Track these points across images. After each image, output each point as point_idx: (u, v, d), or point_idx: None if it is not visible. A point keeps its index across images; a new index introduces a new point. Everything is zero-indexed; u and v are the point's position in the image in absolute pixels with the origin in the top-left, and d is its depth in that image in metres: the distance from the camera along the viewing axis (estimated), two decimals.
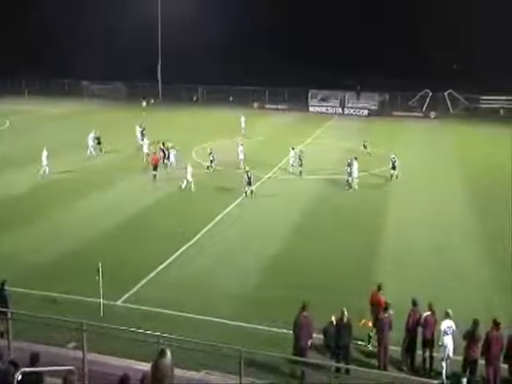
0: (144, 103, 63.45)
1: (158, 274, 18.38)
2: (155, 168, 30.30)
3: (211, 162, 32.70)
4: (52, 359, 10.73)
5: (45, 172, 30.04)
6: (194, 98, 71.50)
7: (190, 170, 28.29)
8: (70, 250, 20.02)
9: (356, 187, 29.60)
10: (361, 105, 66.07)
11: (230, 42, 75.62)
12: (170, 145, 33.37)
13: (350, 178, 29.82)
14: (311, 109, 66.50)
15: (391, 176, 31.44)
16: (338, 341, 12.94)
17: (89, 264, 16.75)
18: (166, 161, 32.56)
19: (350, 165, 29.94)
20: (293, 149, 33.83)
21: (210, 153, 32.89)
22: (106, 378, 11.59)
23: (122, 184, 29.84)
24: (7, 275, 16.78)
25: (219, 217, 24.32)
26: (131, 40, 73.17)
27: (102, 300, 15.22)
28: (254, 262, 19.59)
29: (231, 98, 70.05)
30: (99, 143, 36.70)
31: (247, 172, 27.71)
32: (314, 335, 13.36)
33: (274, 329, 14.74)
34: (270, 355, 12.53)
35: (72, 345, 12.79)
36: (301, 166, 32.17)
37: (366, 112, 64.83)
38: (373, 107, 65.63)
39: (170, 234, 21.97)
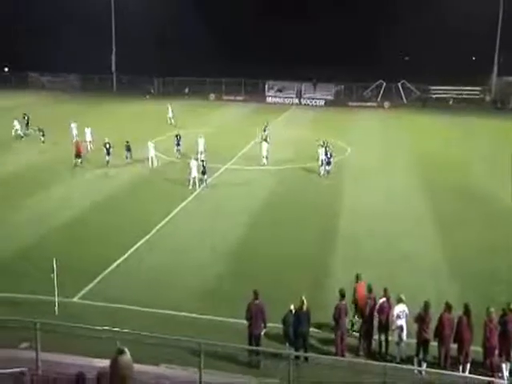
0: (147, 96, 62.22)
1: (114, 269, 18.07)
2: (78, 156, 30.95)
3: (178, 151, 33.61)
4: (3, 362, 10.41)
5: None
6: (152, 91, 70.41)
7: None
8: (22, 248, 19.42)
9: (321, 173, 30.24)
10: (317, 95, 66.73)
11: (186, 33, 74.77)
12: (106, 140, 31.79)
13: (324, 167, 30.25)
14: (268, 99, 66.71)
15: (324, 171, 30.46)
16: (296, 329, 13.08)
17: (42, 262, 16.29)
18: (107, 157, 31.41)
19: (324, 152, 30.36)
20: (265, 140, 33.67)
21: (178, 140, 33.68)
22: (61, 377, 11.34)
23: (70, 179, 29.07)
24: None
25: (176, 210, 24.11)
26: (85, 31, 71.31)
27: (56, 298, 14.85)
28: (212, 254, 19.52)
29: (187, 90, 69.35)
30: (43, 135, 36.05)
31: (202, 161, 27.93)
32: (274, 324, 13.46)
33: (232, 319, 14.74)
34: (227, 346, 12.55)
35: (24, 345, 12.44)
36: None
37: (322, 102, 65.50)
38: (329, 97, 66.38)
39: (125, 228, 21.63)
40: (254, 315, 13.13)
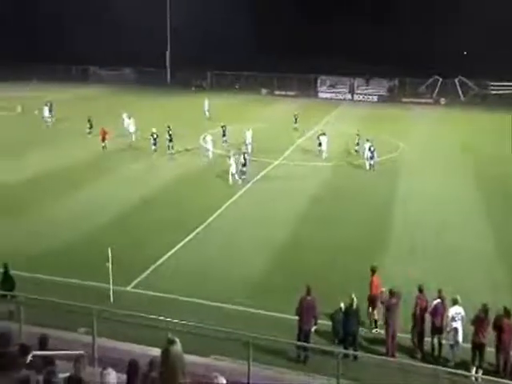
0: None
1: (166, 260, 18.46)
2: (103, 140, 33.37)
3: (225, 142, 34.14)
4: (63, 344, 10.84)
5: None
6: (203, 85, 71.26)
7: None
8: (80, 237, 20.12)
9: (371, 169, 30.25)
10: (370, 91, 65.62)
11: (239, 28, 74.98)
12: (154, 130, 32.89)
13: (369, 162, 30.49)
14: (320, 95, 66.15)
15: (370, 166, 30.69)
16: (346, 327, 12.98)
17: (99, 250, 16.83)
18: (153, 147, 32.49)
19: (368, 147, 30.68)
20: (324, 134, 33.71)
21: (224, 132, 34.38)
22: (115, 363, 11.71)
23: (126, 170, 29.83)
24: (19, 259, 17.06)
25: (226, 204, 24.34)
26: (141, 25, 72.82)
27: (111, 286, 15.31)
28: (262, 248, 19.62)
29: (237, 85, 69.75)
30: (91, 127, 36.78)
31: (244, 153, 28.26)
32: (323, 321, 13.41)
33: (281, 314, 14.77)
34: (276, 340, 12.60)
35: (83, 330, 12.89)
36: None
37: (375, 98, 64.40)
38: (382, 93, 65.16)
39: (176, 221, 22.03)
40: (305, 311, 13.11)
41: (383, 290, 13.59)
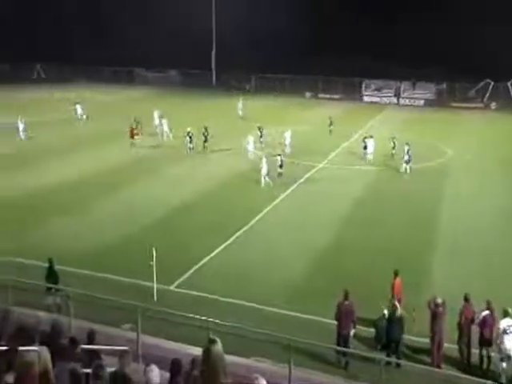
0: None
1: (209, 261, 18.62)
2: (132, 137, 34.91)
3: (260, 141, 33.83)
4: (107, 339, 11.09)
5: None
6: (247, 87, 71.64)
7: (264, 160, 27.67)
8: (125, 235, 20.58)
9: (408, 172, 29.82)
10: (417, 95, 64.37)
11: (283, 30, 74.96)
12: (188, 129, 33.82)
13: (406, 165, 30.18)
14: (365, 98, 65.40)
15: (406, 169, 30.38)
16: (389, 334, 12.77)
17: (142, 250, 17.13)
18: (189, 144, 33.64)
19: (406, 151, 30.43)
20: (371, 137, 33.53)
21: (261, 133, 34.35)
22: (157, 360, 11.90)
23: (171, 170, 30.26)
24: (67, 254, 17.59)
25: (269, 207, 24.36)
26: (186, 28, 73.90)
27: (155, 284, 15.57)
28: (303, 251, 19.55)
29: (277, 90, 69.80)
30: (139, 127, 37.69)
31: (280, 155, 28.41)
32: (364, 327, 13.23)
33: (321, 318, 14.65)
34: (316, 344, 12.54)
35: (127, 326, 13.17)
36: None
37: (421, 102, 63.12)
38: (429, 97, 63.80)
39: (221, 222, 22.20)
40: (344, 315, 13.03)
41: (439, 299, 13.12)
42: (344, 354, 12.86)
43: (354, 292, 13.43)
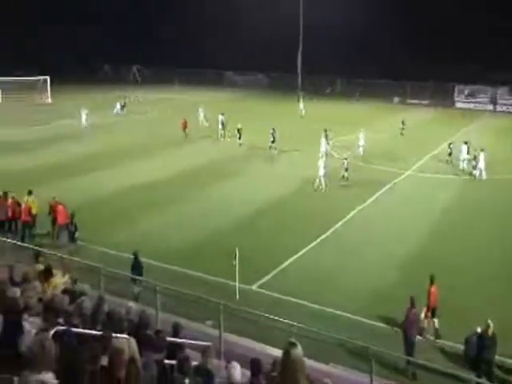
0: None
1: (292, 263, 18.67)
2: (184, 130, 38.33)
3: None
4: (191, 333, 11.42)
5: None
6: (327, 90, 71.19)
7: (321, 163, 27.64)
8: (211, 233, 21.08)
9: (483, 178, 29.20)
10: None
11: (372, 34, 73.67)
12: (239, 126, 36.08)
13: (476, 171, 29.59)
14: (457, 105, 62.70)
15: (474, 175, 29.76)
16: (480, 353, 12.15)
17: (226, 249, 17.49)
18: (239, 140, 36.19)
19: (476, 158, 29.88)
20: (465, 143, 32.24)
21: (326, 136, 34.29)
22: (238, 358, 12.09)
23: (253, 171, 30.68)
24: (154, 250, 18.33)
25: (354, 211, 24.03)
26: (273, 31, 74.60)
27: (237, 284, 15.82)
28: (387, 259, 19.09)
29: (357, 93, 68.66)
30: (224, 128, 38.75)
31: (346, 159, 28.27)
32: (457, 344, 12.71)
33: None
34: (394, 355, 12.26)
35: (210, 323, 13.49)
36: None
37: None
38: None
39: (306, 224, 22.20)
40: (411, 323, 12.90)
41: None
42: (408, 362, 12.58)
43: (439, 306, 12.94)
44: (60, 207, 19.89)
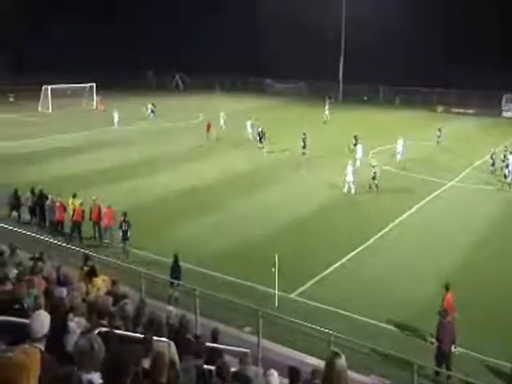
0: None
1: (331, 272, 18.50)
2: (208, 131, 40.50)
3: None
4: (229, 339, 11.44)
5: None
6: (365, 98, 70.58)
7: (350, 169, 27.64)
8: (248, 240, 21.12)
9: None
10: None
11: (417, 42, 72.61)
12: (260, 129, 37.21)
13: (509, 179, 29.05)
14: (505, 114, 60.90)
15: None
16: None
17: (265, 255, 17.49)
18: (260, 144, 37.16)
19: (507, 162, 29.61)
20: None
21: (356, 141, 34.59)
22: (275, 365, 12.02)
23: (293, 179, 30.53)
24: (192, 255, 18.50)
25: (397, 221, 23.64)
26: (315, 40, 74.60)
27: (277, 291, 15.75)
28: (431, 269, 18.65)
29: (397, 100, 67.57)
30: (261, 138, 38.59)
31: (374, 166, 28.04)
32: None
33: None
34: (440, 371, 11.89)
35: (248, 329, 13.48)
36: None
37: None
38: None
39: (346, 233, 22.02)
40: (445, 333, 12.67)
41: None
42: (448, 376, 12.32)
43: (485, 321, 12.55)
44: (106, 210, 20.50)
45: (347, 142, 37.19)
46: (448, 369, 12.58)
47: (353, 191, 27.47)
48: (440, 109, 63.51)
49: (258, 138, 38.26)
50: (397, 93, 69.69)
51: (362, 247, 20.66)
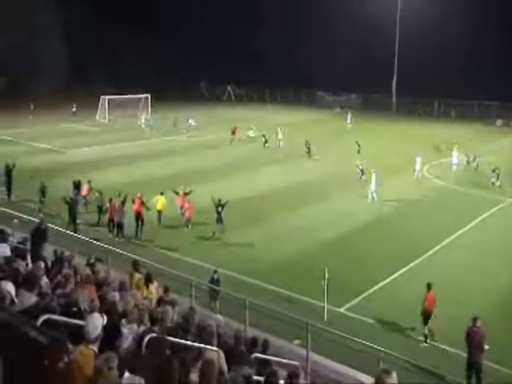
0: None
1: (383, 287, 18.14)
2: (232, 134, 43.74)
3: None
4: (278, 351, 11.35)
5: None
6: (419, 112, 69.12)
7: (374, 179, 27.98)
8: (297, 252, 20.96)
9: None
10: None
11: (472, 54, 70.60)
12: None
13: None
14: None
15: None
16: None
17: (317, 267, 17.27)
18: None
19: None
20: None
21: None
22: (324, 380, 11.87)
23: (341, 196, 29.73)
24: (241, 266, 18.55)
25: (450, 238, 22.91)
26: (368, 52, 73.87)
27: (326, 305, 15.57)
28: (486, 290, 17.98)
29: (452, 113, 65.65)
30: (309, 150, 38.68)
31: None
32: None
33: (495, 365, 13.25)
34: None
35: (297, 342, 13.35)
36: None
37: None
38: None
39: (399, 246, 21.62)
40: (473, 342, 12.45)
41: None
42: None
43: None
44: (187, 205, 23.47)
45: (398, 157, 36.51)
46: (478, 379, 12.09)
47: (369, 197, 27.74)
48: (499, 122, 61.42)
49: (307, 150, 38.45)
50: (451, 106, 68.07)
51: (413, 263, 20.13)
